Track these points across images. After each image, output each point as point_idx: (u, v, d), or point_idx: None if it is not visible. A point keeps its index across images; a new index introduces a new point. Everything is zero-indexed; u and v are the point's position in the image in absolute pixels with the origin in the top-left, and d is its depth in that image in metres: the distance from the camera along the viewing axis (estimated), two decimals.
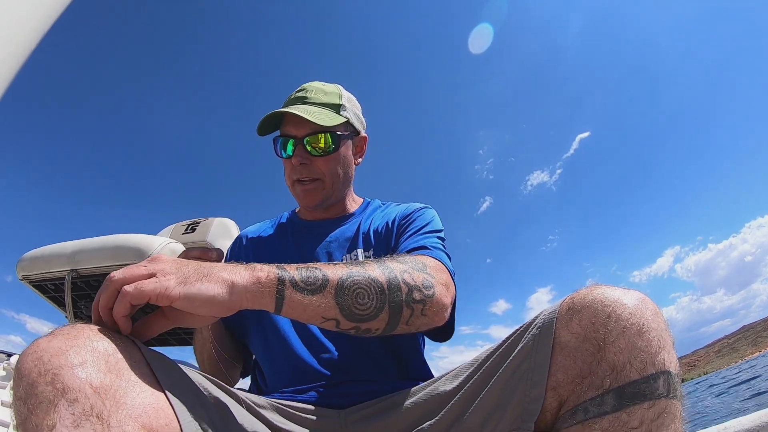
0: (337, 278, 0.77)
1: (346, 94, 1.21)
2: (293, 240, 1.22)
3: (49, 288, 2.00)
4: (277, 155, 1.20)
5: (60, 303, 2.04)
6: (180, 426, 0.63)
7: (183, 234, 2.62)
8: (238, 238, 1.32)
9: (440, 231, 1.12)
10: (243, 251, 1.27)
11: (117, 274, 0.68)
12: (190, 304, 0.68)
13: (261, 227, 1.34)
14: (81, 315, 2.07)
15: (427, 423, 0.78)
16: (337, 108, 1.16)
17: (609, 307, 0.66)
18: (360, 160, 1.28)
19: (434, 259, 0.93)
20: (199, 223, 2.67)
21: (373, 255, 1.11)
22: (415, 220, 1.15)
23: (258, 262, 1.15)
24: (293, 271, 0.76)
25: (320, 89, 1.18)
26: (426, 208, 1.21)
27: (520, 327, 0.78)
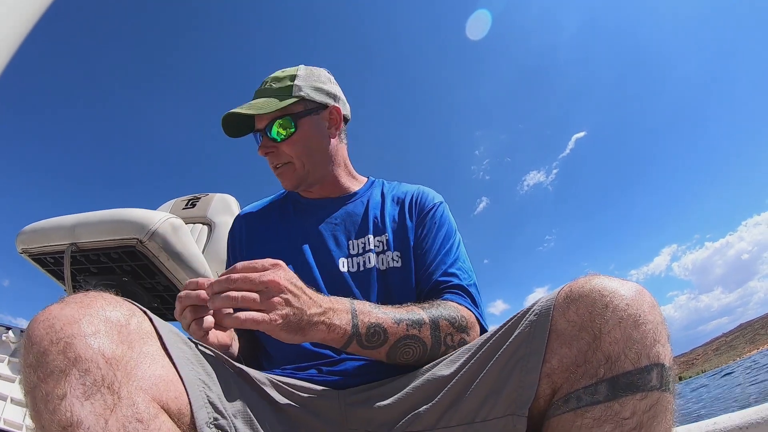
0: (396, 339, 0.87)
1: (303, 72, 1.20)
2: (297, 219, 1.22)
3: (49, 261, 2.01)
4: None
5: (59, 276, 2.05)
6: (189, 399, 0.64)
7: (183, 209, 2.62)
8: (240, 218, 1.32)
9: (458, 235, 1.18)
10: (246, 232, 1.26)
11: (241, 300, 0.74)
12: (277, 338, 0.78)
13: (262, 205, 1.33)
14: (80, 289, 2.08)
15: (424, 407, 0.79)
16: (288, 90, 1.16)
17: (606, 297, 0.66)
18: (337, 132, 1.25)
19: (473, 316, 1.01)
20: (199, 198, 2.67)
21: (385, 243, 1.12)
22: (437, 224, 1.17)
23: (261, 242, 1.21)
24: (363, 329, 0.85)
25: (275, 77, 1.20)
26: (442, 203, 1.23)
27: (518, 313, 0.78)
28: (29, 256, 2.00)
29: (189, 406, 0.64)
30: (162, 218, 1.93)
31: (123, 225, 1.89)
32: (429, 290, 1.06)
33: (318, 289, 1.06)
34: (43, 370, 0.54)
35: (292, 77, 1.18)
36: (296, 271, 1.09)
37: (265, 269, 0.77)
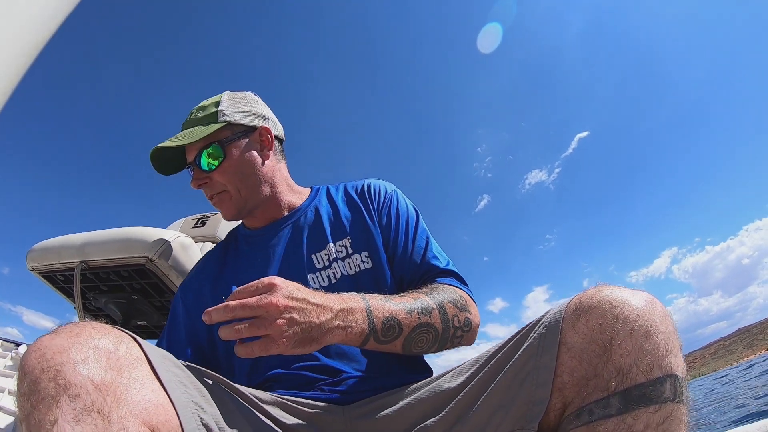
0: (410, 329, 0.90)
1: (227, 97, 1.19)
2: (250, 251, 1.19)
3: (59, 279, 2.02)
4: None
5: (69, 294, 2.06)
6: (180, 422, 0.64)
7: (193, 228, 2.64)
8: (176, 294, 1.22)
9: (421, 218, 1.18)
10: (192, 299, 1.17)
11: (246, 332, 0.73)
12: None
13: (205, 260, 1.28)
14: (89, 307, 2.09)
15: (431, 420, 0.78)
16: (213, 116, 1.15)
17: (617, 308, 0.65)
18: (270, 152, 1.23)
19: (467, 295, 1.05)
20: (209, 217, 2.68)
21: (348, 246, 1.10)
22: (400, 214, 1.16)
23: (221, 288, 1.15)
24: (379, 324, 0.86)
25: (200, 107, 1.20)
26: (395, 191, 1.23)
27: (527, 325, 0.77)
28: (39, 273, 2.02)
29: (181, 429, 0.64)
30: (172, 237, 1.94)
31: (133, 243, 1.90)
32: (417, 280, 1.08)
33: None
34: (35, 397, 0.55)
35: (216, 103, 1.18)
36: None
37: (259, 291, 0.76)
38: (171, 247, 1.91)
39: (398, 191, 1.22)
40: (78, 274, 1.91)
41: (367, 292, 1.04)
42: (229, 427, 0.72)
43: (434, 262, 1.09)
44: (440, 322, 0.92)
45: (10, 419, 2.19)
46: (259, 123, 1.21)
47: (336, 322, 0.80)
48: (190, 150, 1.16)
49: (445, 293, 0.98)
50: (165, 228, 2.29)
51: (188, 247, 2.00)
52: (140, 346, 0.67)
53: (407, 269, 1.09)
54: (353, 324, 0.83)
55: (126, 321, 2.11)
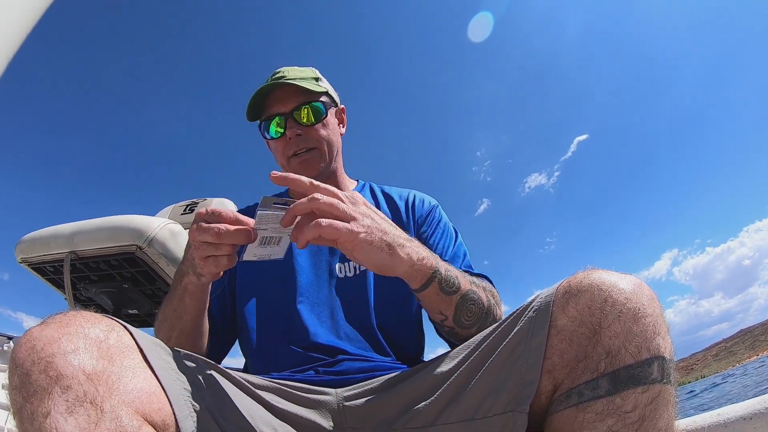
0: (464, 291, 0.90)
1: (317, 71, 1.24)
2: None
3: (48, 270, 2.01)
4: (266, 138, 1.21)
5: (59, 285, 2.05)
6: (173, 410, 0.64)
7: (182, 214, 2.62)
8: None
9: (458, 234, 1.21)
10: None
11: (322, 203, 0.72)
12: (363, 262, 0.77)
13: (246, 212, 1.26)
14: (80, 297, 2.08)
15: (423, 403, 0.78)
16: (315, 80, 1.19)
17: (605, 291, 0.66)
18: (343, 130, 1.29)
19: (497, 293, 1.04)
20: (197, 203, 2.67)
21: None
22: (441, 226, 1.19)
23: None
24: (443, 271, 0.86)
25: (295, 69, 1.20)
26: (438, 206, 1.25)
27: (517, 309, 0.78)
28: (29, 265, 2.00)
29: (173, 417, 0.64)
30: (160, 224, 1.93)
31: (122, 232, 1.89)
32: None
33: (313, 295, 1.04)
34: (27, 390, 0.55)
35: (313, 70, 1.22)
36: (292, 276, 1.07)
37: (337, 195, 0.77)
38: (160, 235, 1.90)
39: (440, 206, 1.25)
40: (68, 264, 1.90)
41: (388, 287, 1.07)
42: (222, 413, 0.72)
43: (470, 270, 1.08)
44: (485, 301, 0.93)
45: (4, 413, 2.19)
46: (338, 102, 1.28)
47: (410, 244, 0.81)
48: (285, 102, 1.16)
49: (487, 285, 1.00)
50: (154, 215, 2.27)
51: (177, 233, 1.99)
52: (131, 334, 0.67)
53: None
54: (423, 256, 0.83)
55: (117, 310, 2.10)
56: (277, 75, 1.18)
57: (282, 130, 1.16)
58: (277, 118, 1.16)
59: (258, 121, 1.21)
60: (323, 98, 1.19)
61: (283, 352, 0.99)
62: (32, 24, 0.88)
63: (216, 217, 0.77)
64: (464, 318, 0.91)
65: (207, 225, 0.75)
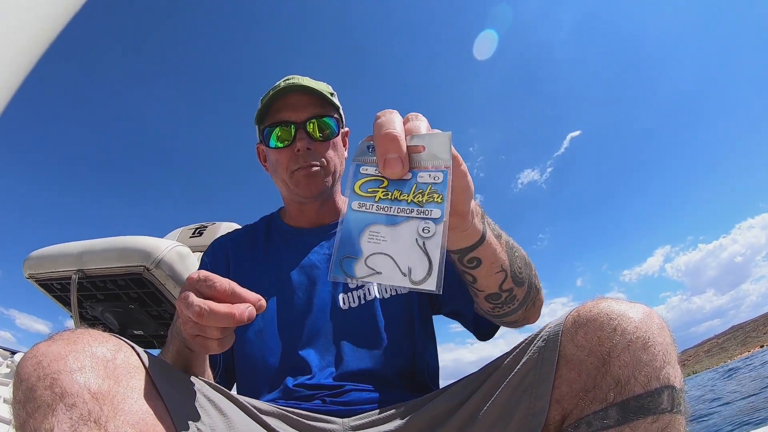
0: (507, 237, 0.82)
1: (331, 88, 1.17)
2: (286, 251, 1.14)
3: (56, 287, 2.02)
4: (267, 146, 1.12)
5: (66, 302, 2.05)
6: None
7: (190, 237, 2.64)
8: (224, 241, 1.21)
9: None
10: (233, 258, 1.16)
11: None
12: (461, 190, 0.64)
13: (247, 232, 1.23)
14: (86, 315, 2.08)
15: None
16: (330, 95, 1.13)
17: (615, 320, 0.66)
18: (346, 154, 1.21)
19: None
20: (206, 227, 2.68)
21: None
22: None
23: (247, 275, 1.11)
24: (490, 221, 0.78)
25: (310, 80, 1.11)
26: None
27: (526, 339, 0.77)
28: (36, 281, 2.01)
29: None
30: (169, 246, 1.94)
31: (130, 252, 1.90)
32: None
33: (316, 330, 0.99)
34: (31, 405, 0.54)
35: (329, 88, 1.15)
36: (289, 310, 1.02)
37: None
38: (168, 257, 1.91)
39: None
40: (75, 282, 1.90)
41: (395, 317, 1.02)
42: None
43: None
44: (527, 256, 0.87)
45: (6, 428, 2.18)
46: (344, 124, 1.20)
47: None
48: (299, 109, 1.08)
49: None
50: (162, 237, 2.28)
51: (185, 256, 2.00)
52: (138, 355, 0.66)
53: (457, 292, 1.02)
54: (474, 209, 0.71)
55: (123, 330, 2.10)
56: (291, 81, 1.10)
57: (289, 141, 1.08)
58: (284, 126, 1.08)
59: (259, 126, 1.15)
60: (336, 116, 1.14)
61: (288, 389, 0.96)
62: (57, 31, 0.90)
63: (209, 287, 0.66)
64: (517, 270, 0.83)
65: (191, 300, 0.64)
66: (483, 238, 0.75)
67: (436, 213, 0.52)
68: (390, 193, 0.54)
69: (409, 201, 0.53)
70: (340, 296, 1.04)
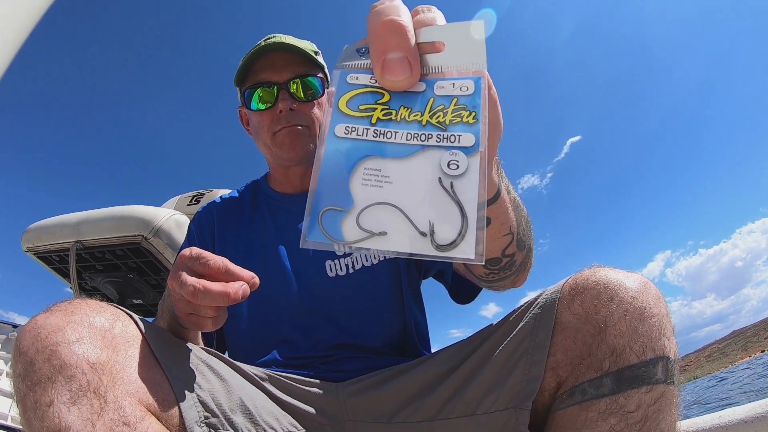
0: (515, 194, 0.73)
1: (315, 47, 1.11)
2: (271, 218, 1.11)
3: (54, 259, 2.02)
4: (248, 108, 1.07)
5: (65, 274, 2.06)
6: (176, 399, 0.64)
7: (188, 205, 2.63)
8: (211, 209, 1.17)
9: None
10: (217, 226, 1.12)
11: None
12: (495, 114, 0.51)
13: (232, 198, 1.19)
14: (85, 286, 2.09)
15: (425, 397, 0.78)
16: (315, 55, 1.07)
17: (612, 289, 0.66)
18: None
19: None
20: (203, 194, 2.67)
21: None
22: None
23: (231, 242, 1.08)
24: (505, 177, 0.69)
25: (291, 38, 1.06)
26: None
27: (522, 305, 0.77)
28: (34, 254, 2.01)
29: (177, 407, 0.63)
30: (166, 215, 1.93)
31: (128, 222, 1.89)
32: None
33: (303, 300, 0.98)
34: (30, 378, 0.54)
35: (313, 46, 1.09)
36: (275, 279, 1.00)
37: None
38: (166, 226, 1.90)
39: None
40: (73, 253, 1.90)
41: (384, 284, 1.00)
42: (226, 403, 0.72)
43: None
44: (531, 230, 0.81)
45: (8, 401, 2.22)
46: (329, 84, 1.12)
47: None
48: (281, 69, 1.03)
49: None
50: (160, 206, 2.28)
51: (183, 224, 2.00)
52: (136, 323, 0.67)
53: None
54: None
55: (122, 300, 2.11)
56: (273, 39, 1.04)
57: (271, 102, 1.04)
58: (266, 86, 1.03)
59: (240, 87, 1.10)
60: (320, 75, 1.08)
61: (279, 360, 0.96)
62: (34, 22, 0.88)
63: (202, 266, 0.65)
64: (523, 230, 0.76)
65: (185, 279, 0.63)
66: (498, 194, 0.65)
67: (467, 139, 0.35)
68: (394, 112, 0.37)
69: (424, 123, 0.36)
70: (327, 263, 1.00)
